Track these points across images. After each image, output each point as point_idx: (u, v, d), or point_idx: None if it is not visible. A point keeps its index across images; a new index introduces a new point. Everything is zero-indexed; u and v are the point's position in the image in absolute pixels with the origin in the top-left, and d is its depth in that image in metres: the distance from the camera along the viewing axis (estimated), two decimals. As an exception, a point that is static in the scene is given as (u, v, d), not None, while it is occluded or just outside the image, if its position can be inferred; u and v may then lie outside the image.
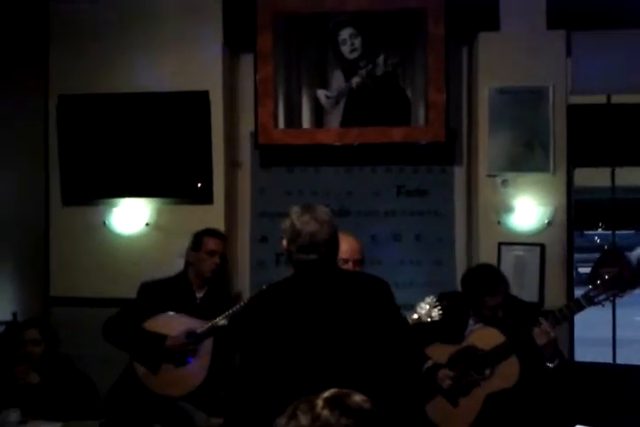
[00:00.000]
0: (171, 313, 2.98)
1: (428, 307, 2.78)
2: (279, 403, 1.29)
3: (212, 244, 3.09)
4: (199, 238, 3.10)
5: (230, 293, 3.26)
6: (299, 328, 2.01)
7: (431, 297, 2.81)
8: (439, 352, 2.86)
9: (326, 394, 1.20)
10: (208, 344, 2.94)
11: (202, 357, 2.92)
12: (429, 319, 2.79)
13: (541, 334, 2.70)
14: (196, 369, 2.92)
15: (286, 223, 2.04)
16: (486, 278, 2.87)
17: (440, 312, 2.77)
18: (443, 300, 2.83)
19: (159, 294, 3.04)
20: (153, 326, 2.94)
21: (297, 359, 1.99)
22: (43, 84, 3.93)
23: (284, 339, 2.01)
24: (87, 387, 3.02)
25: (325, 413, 1.16)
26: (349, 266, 2.79)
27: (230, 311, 2.93)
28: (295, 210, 2.06)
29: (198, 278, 3.09)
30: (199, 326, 2.93)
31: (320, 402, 1.18)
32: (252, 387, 2.02)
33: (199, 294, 3.10)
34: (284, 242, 2.08)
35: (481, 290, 2.84)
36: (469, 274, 3.02)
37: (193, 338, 2.92)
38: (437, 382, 2.79)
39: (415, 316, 2.77)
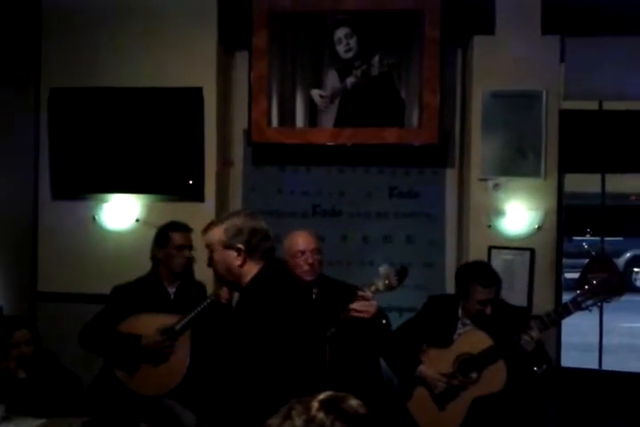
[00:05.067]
0: (144, 313, 2.95)
1: (384, 275, 2.73)
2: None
3: (178, 238, 3.03)
4: (165, 234, 3.05)
5: (203, 284, 3.22)
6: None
7: (384, 266, 2.76)
8: (433, 357, 2.88)
9: (322, 396, 1.19)
10: (185, 339, 2.91)
11: (180, 352, 2.90)
12: (388, 289, 2.72)
13: (528, 339, 2.72)
14: (176, 365, 2.89)
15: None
16: (483, 270, 2.90)
17: (397, 277, 2.71)
18: (396, 266, 2.79)
19: (131, 295, 3.00)
20: (127, 328, 2.91)
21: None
22: (34, 76, 3.90)
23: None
24: (72, 384, 3.00)
25: (320, 415, 1.14)
26: (307, 256, 2.84)
27: (204, 304, 2.90)
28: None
29: (169, 274, 3.06)
30: (175, 321, 2.91)
31: (315, 404, 1.16)
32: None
33: (172, 290, 3.07)
34: None
35: (476, 279, 2.84)
36: (467, 265, 3.08)
37: (168, 334, 2.89)
38: (429, 386, 2.82)
39: (373, 288, 2.71)
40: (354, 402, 1.18)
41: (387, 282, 2.70)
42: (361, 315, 2.64)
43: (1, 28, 3.77)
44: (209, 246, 2.12)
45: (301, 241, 2.91)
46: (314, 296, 2.93)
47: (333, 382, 2.63)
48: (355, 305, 2.65)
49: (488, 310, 2.85)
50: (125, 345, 2.88)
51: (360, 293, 2.68)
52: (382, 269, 2.76)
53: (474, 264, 3.07)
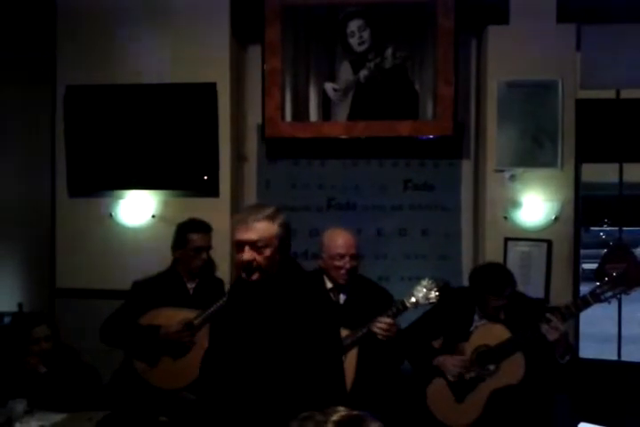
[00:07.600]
0: (164, 307, 2.97)
1: (424, 290, 2.78)
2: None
3: (197, 240, 3.03)
4: (183, 235, 3.04)
5: (221, 280, 3.24)
6: None
7: (426, 279, 2.81)
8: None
9: (335, 417, 1.11)
10: (204, 334, 2.93)
11: (199, 346, 2.91)
12: (427, 302, 2.79)
13: (551, 329, 2.70)
14: (195, 359, 2.89)
15: None
16: (494, 279, 2.84)
17: (437, 294, 2.77)
18: (438, 280, 2.83)
19: (151, 290, 3.02)
20: (148, 322, 2.94)
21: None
22: (50, 74, 3.92)
23: None
24: (92, 378, 3.03)
25: None
26: (346, 261, 2.82)
27: (224, 300, 2.91)
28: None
29: (188, 272, 3.08)
30: (194, 316, 2.93)
31: (330, 426, 1.10)
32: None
33: (191, 285, 3.09)
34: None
35: (486, 289, 2.83)
36: (479, 271, 3.00)
37: (188, 327, 2.91)
38: (445, 373, 2.82)
39: (413, 299, 2.78)
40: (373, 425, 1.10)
41: (427, 296, 2.75)
42: (379, 335, 2.73)
43: (17, 27, 3.80)
44: (259, 242, 1.96)
45: (342, 243, 2.87)
46: (345, 298, 2.92)
47: (361, 381, 2.68)
48: (379, 324, 2.74)
49: (502, 315, 2.86)
50: (145, 335, 2.91)
51: (386, 316, 2.76)
52: (424, 283, 2.79)
53: (485, 270, 2.95)
